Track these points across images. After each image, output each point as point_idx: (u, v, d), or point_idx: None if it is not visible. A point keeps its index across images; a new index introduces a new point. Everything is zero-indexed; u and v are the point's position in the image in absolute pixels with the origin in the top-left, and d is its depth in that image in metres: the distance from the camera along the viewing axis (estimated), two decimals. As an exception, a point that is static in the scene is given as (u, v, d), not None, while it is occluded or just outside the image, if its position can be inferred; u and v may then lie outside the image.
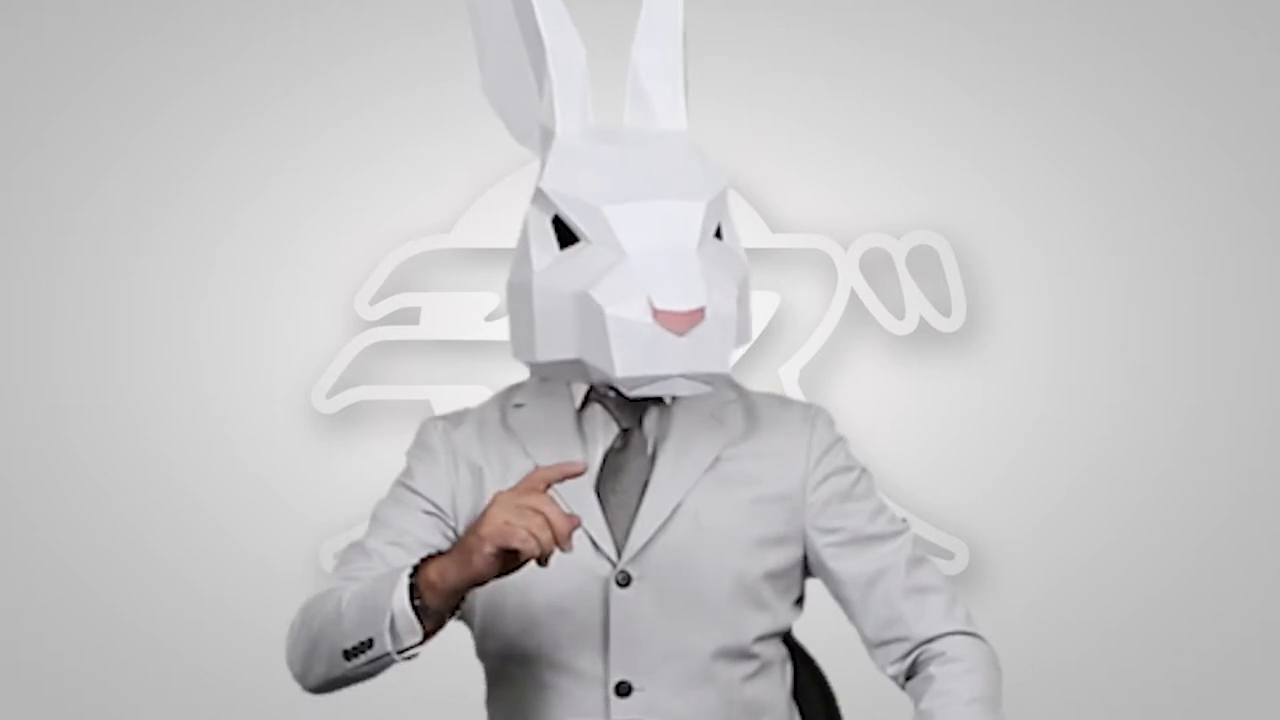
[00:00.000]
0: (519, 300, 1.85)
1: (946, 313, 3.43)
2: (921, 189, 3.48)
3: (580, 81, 1.86)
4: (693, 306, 1.72)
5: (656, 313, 1.72)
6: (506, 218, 3.41)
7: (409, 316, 3.45)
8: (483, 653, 1.99)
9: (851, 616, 1.96)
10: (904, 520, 1.99)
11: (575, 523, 1.67)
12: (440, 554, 1.75)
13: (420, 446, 2.01)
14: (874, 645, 1.95)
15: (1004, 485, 3.46)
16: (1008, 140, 3.50)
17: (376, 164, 3.48)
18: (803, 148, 3.46)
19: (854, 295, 3.44)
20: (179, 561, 3.45)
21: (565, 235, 1.80)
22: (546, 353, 1.82)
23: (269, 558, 3.42)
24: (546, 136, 1.88)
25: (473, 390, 3.39)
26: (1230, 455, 3.48)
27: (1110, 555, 3.47)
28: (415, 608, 1.72)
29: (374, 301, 3.44)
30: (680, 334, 1.72)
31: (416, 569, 1.74)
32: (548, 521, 1.65)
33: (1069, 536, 3.47)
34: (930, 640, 1.92)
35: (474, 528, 1.69)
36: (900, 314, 3.43)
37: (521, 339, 1.86)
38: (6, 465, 3.46)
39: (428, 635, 1.75)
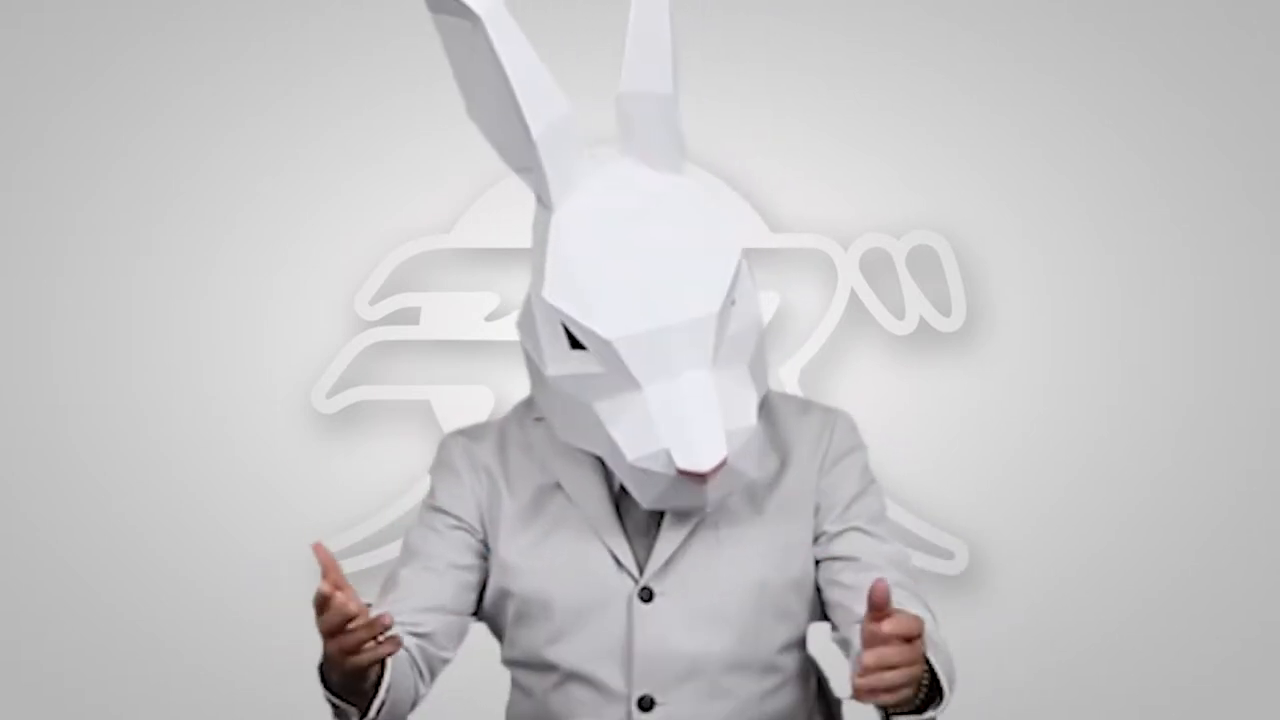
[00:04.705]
0: (535, 374, 1.85)
1: (946, 313, 3.43)
2: (921, 189, 3.48)
3: (571, 147, 1.80)
4: (713, 465, 1.70)
5: (679, 471, 1.71)
6: (506, 218, 3.43)
7: (409, 316, 3.45)
8: (507, 661, 1.99)
9: (831, 613, 1.92)
10: (903, 548, 1.96)
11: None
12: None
13: (441, 465, 2.00)
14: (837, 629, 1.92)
15: (1004, 485, 3.46)
16: (1007, 140, 3.50)
17: (376, 164, 3.48)
18: (803, 148, 3.47)
19: (854, 295, 3.44)
20: (179, 561, 3.45)
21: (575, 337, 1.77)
22: (569, 439, 1.83)
23: (269, 558, 3.42)
24: (542, 203, 1.83)
25: (473, 390, 3.42)
26: (1229, 455, 3.48)
27: (1110, 555, 3.47)
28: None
29: (374, 301, 3.44)
30: (704, 485, 1.72)
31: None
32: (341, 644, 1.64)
33: (1068, 536, 3.47)
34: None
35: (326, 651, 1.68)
36: (900, 314, 3.43)
37: (544, 408, 1.87)
38: (6, 465, 3.46)
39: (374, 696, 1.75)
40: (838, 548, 1.91)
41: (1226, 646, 3.46)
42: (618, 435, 1.73)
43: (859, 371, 3.45)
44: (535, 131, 1.77)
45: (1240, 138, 3.50)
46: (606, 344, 1.73)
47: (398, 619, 1.86)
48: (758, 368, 1.82)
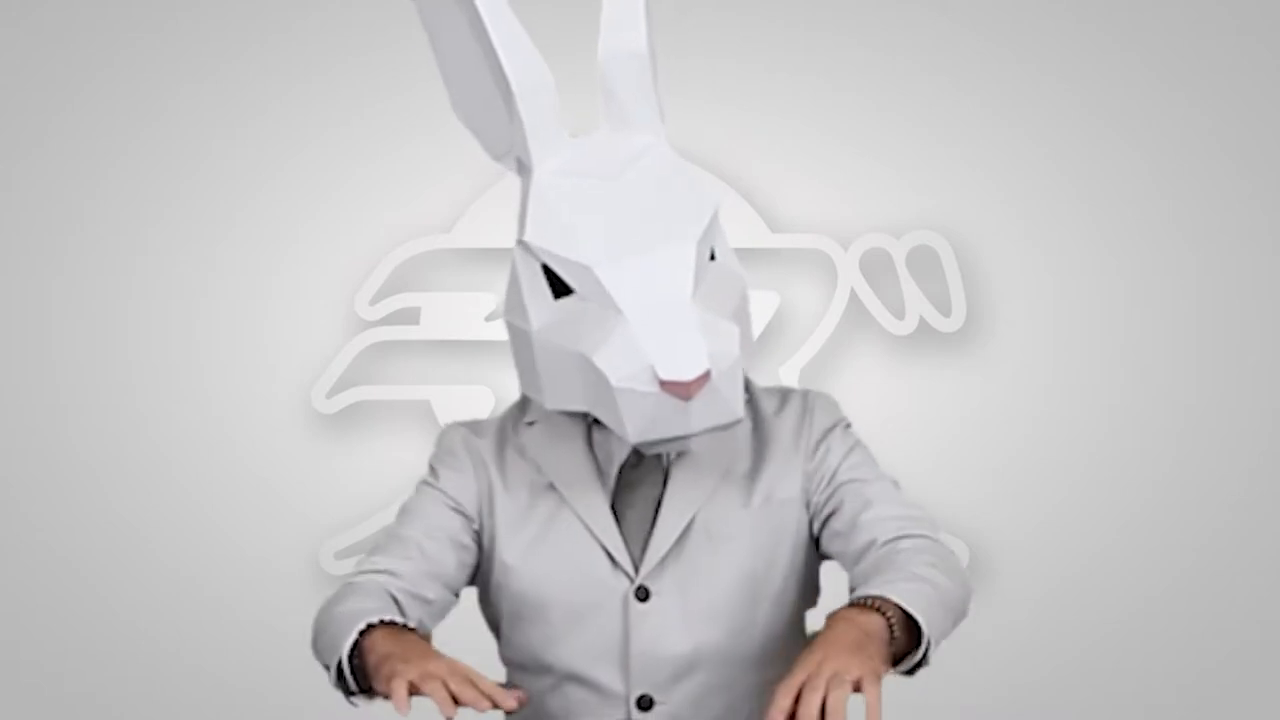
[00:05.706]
0: (520, 344, 1.85)
1: (946, 313, 3.43)
2: (921, 189, 3.48)
3: (551, 110, 1.83)
4: (696, 374, 1.71)
5: (662, 383, 1.71)
6: (506, 218, 3.39)
7: (409, 316, 3.45)
8: (505, 660, 1.99)
9: (841, 558, 1.91)
10: (892, 482, 1.95)
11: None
12: (392, 629, 1.74)
13: (445, 452, 1.99)
14: (854, 565, 1.88)
15: (1004, 485, 3.46)
16: (1008, 140, 3.50)
17: (376, 164, 3.48)
18: (803, 148, 3.47)
19: (854, 295, 3.44)
20: (179, 561, 3.45)
21: (557, 281, 1.79)
22: (556, 402, 1.82)
23: (269, 558, 3.43)
24: (524, 169, 1.86)
25: (473, 390, 3.42)
26: (1230, 455, 3.48)
27: (1110, 555, 3.47)
28: (354, 665, 1.73)
29: (374, 301, 3.44)
30: (688, 399, 1.72)
31: (368, 629, 1.74)
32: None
33: (1069, 536, 3.47)
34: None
35: (398, 658, 1.65)
36: (900, 314, 3.43)
37: (529, 381, 1.86)
38: (6, 465, 3.47)
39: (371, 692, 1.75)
40: (830, 505, 1.91)
41: (1228, 646, 3.46)
42: (601, 361, 1.73)
43: (859, 371, 3.45)
44: (516, 85, 1.80)
45: (1242, 138, 3.50)
46: (587, 270, 1.75)
47: (405, 580, 1.86)
48: (743, 324, 1.83)
